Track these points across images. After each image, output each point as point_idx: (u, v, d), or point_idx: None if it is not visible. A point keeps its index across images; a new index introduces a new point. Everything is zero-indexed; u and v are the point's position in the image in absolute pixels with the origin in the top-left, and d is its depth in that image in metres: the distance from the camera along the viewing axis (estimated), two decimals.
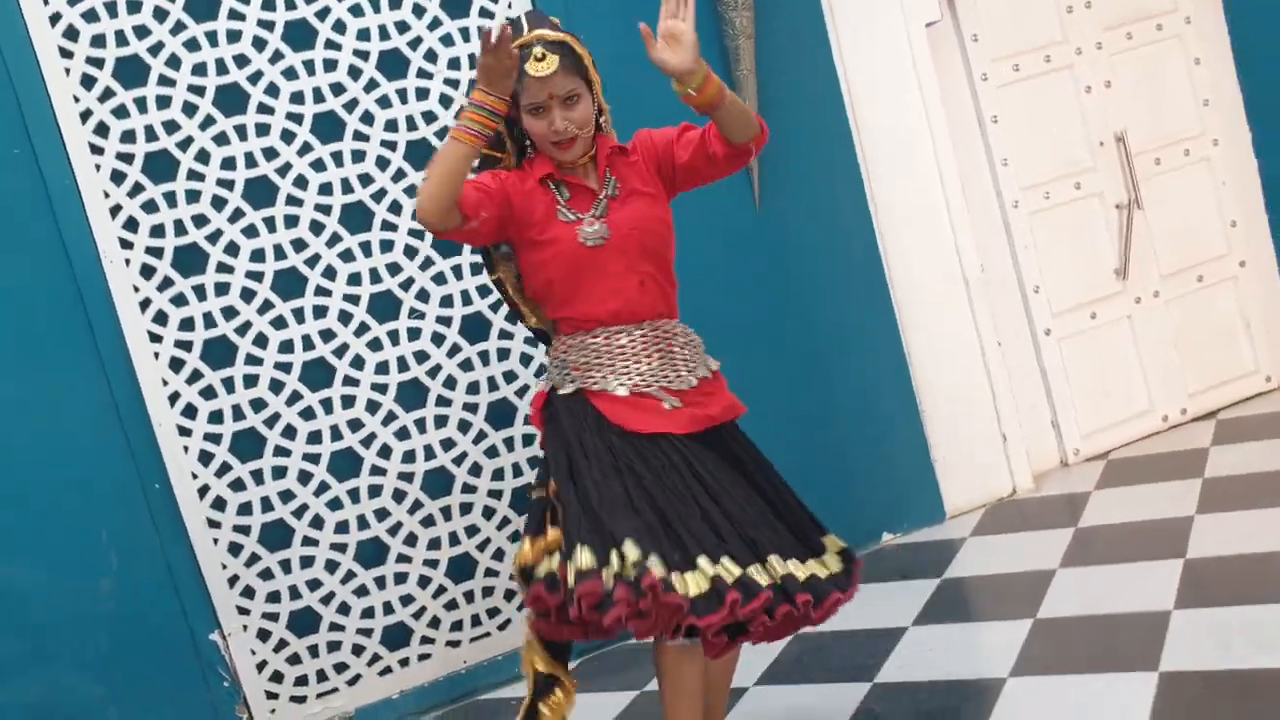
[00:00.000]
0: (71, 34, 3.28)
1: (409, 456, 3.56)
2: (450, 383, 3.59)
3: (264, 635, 3.47)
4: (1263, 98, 4.37)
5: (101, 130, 3.31)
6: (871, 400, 4.01)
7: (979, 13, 4.16)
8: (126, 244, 3.34)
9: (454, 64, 3.58)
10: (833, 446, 3.97)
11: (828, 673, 3.20)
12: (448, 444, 3.59)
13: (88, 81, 3.30)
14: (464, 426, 3.61)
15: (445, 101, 3.57)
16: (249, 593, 3.45)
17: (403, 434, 3.56)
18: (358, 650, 3.55)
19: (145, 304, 3.35)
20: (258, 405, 3.44)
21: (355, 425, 3.52)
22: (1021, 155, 4.21)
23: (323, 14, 3.47)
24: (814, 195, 3.92)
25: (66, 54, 3.28)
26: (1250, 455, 3.97)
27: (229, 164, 3.41)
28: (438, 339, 3.58)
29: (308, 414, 3.48)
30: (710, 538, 2.40)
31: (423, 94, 3.56)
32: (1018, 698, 2.82)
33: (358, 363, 3.52)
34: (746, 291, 3.87)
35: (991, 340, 4.08)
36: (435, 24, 3.57)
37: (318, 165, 3.48)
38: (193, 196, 3.39)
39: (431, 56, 3.56)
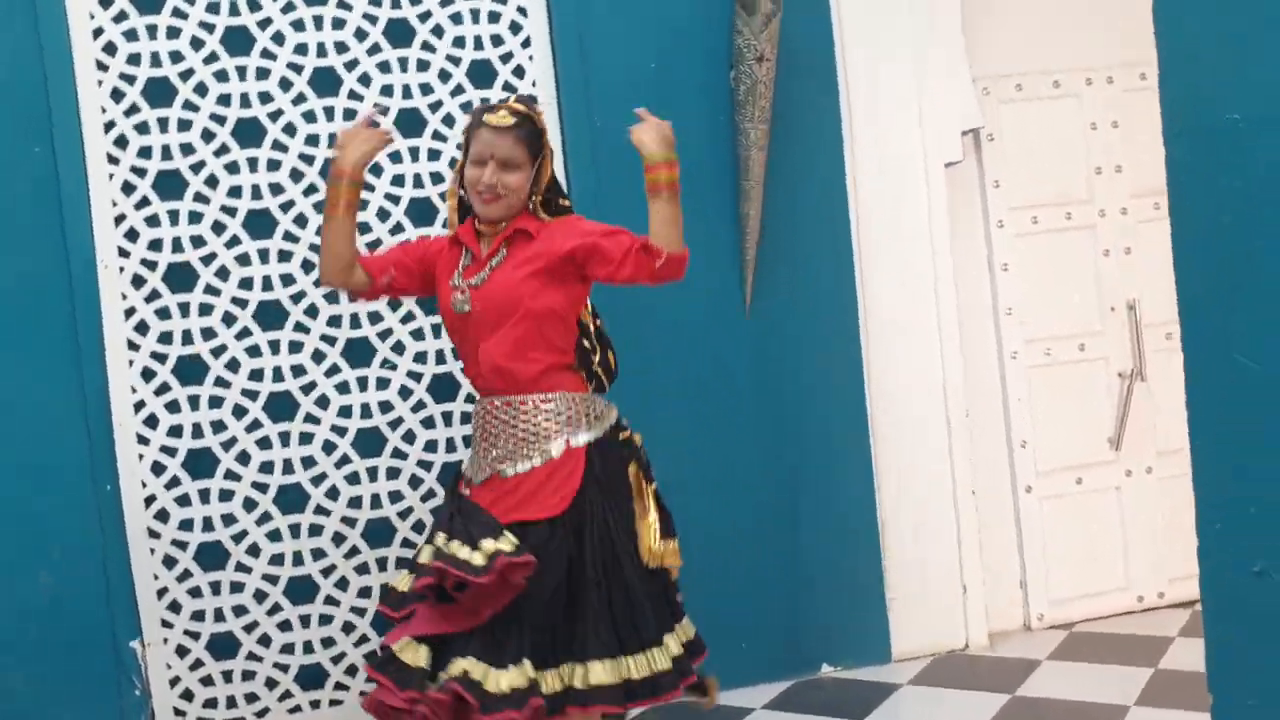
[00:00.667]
0: (110, 49, 3.45)
1: (355, 502, 3.61)
2: (410, 437, 3.64)
3: (182, 651, 3.52)
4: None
5: (121, 142, 3.47)
6: (835, 526, 3.95)
7: (1005, 159, 4.16)
8: (124, 252, 3.47)
9: (449, 122, 3.68)
10: (789, 565, 3.92)
11: None
12: (396, 496, 3.63)
13: (117, 95, 3.46)
14: (415, 482, 3.65)
15: (452, 164, 3.67)
16: (175, 607, 3.51)
17: (353, 479, 3.61)
18: (270, 684, 3.58)
19: (130, 312, 3.47)
20: (217, 427, 3.53)
21: (308, 462, 3.58)
22: (1028, 307, 4.17)
23: (350, 65, 3.61)
24: (806, 312, 3.93)
25: (102, 67, 3.45)
26: None
27: (235, 192, 3.54)
28: (405, 392, 3.64)
29: (264, 443, 3.55)
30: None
31: (434, 155, 3.67)
32: None
33: (322, 402, 3.59)
34: (725, 395, 3.87)
35: (966, 488, 4.01)
36: (458, 91, 3.69)
37: (320, 207, 3.59)
38: (195, 218, 3.52)
39: (449, 121, 3.68)
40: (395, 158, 3.64)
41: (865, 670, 3.95)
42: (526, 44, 3.73)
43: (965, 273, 4.10)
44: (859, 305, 3.96)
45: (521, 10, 3.72)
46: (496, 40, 3.72)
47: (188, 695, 3.53)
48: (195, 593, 3.52)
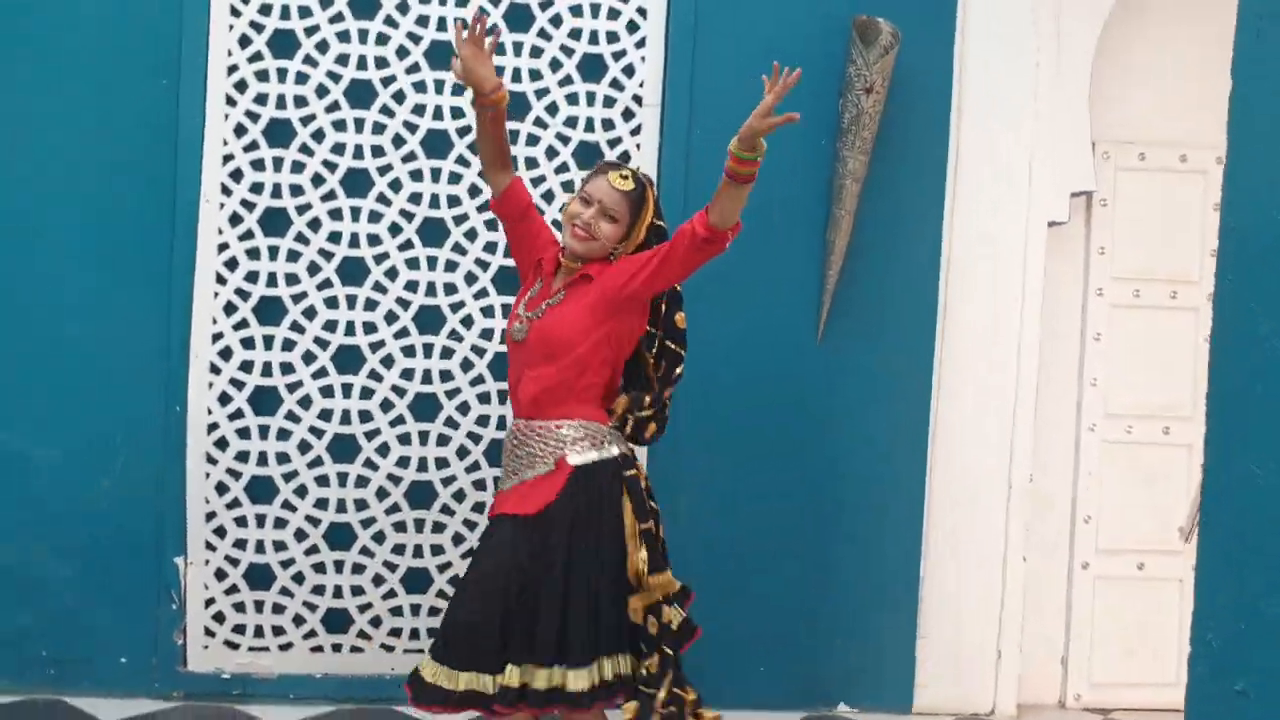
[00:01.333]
0: None
1: (403, 462, 3.72)
2: (464, 408, 3.74)
3: (220, 575, 3.69)
4: None
5: (241, 86, 3.64)
6: (875, 567, 3.90)
7: (1115, 227, 4.03)
8: (226, 190, 3.64)
9: (551, 110, 3.76)
10: (823, 598, 3.88)
11: None
12: (442, 462, 3.73)
13: (244, 41, 3.63)
14: (462, 453, 3.74)
15: (550, 153, 3.75)
16: (220, 532, 3.68)
17: (405, 439, 3.72)
18: (298, 620, 3.72)
19: (223, 247, 3.65)
20: (286, 368, 3.68)
21: (365, 416, 3.71)
22: (1115, 381, 4.04)
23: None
24: (880, 349, 3.88)
25: (235, 13, 3.63)
26: None
27: (338, 149, 3.68)
28: (467, 365, 3.73)
29: (327, 391, 3.69)
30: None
31: (533, 140, 3.74)
32: None
33: (388, 361, 3.71)
34: (782, 421, 3.86)
35: (1017, 553, 3.91)
36: (566, 81, 3.75)
37: (415, 175, 3.71)
38: (297, 167, 3.67)
39: (553, 109, 3.75)
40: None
41: (882, 717, 3.89)
42: (641, 44, 3.77)
43: (1055, 337, 3.99)
44: (935, 351, 3.90)
45: (641, 11, 3.77)
46: (612, 36, 3.77)
47: (219, 617, 3.70)
48: (241, 521, 3.68)
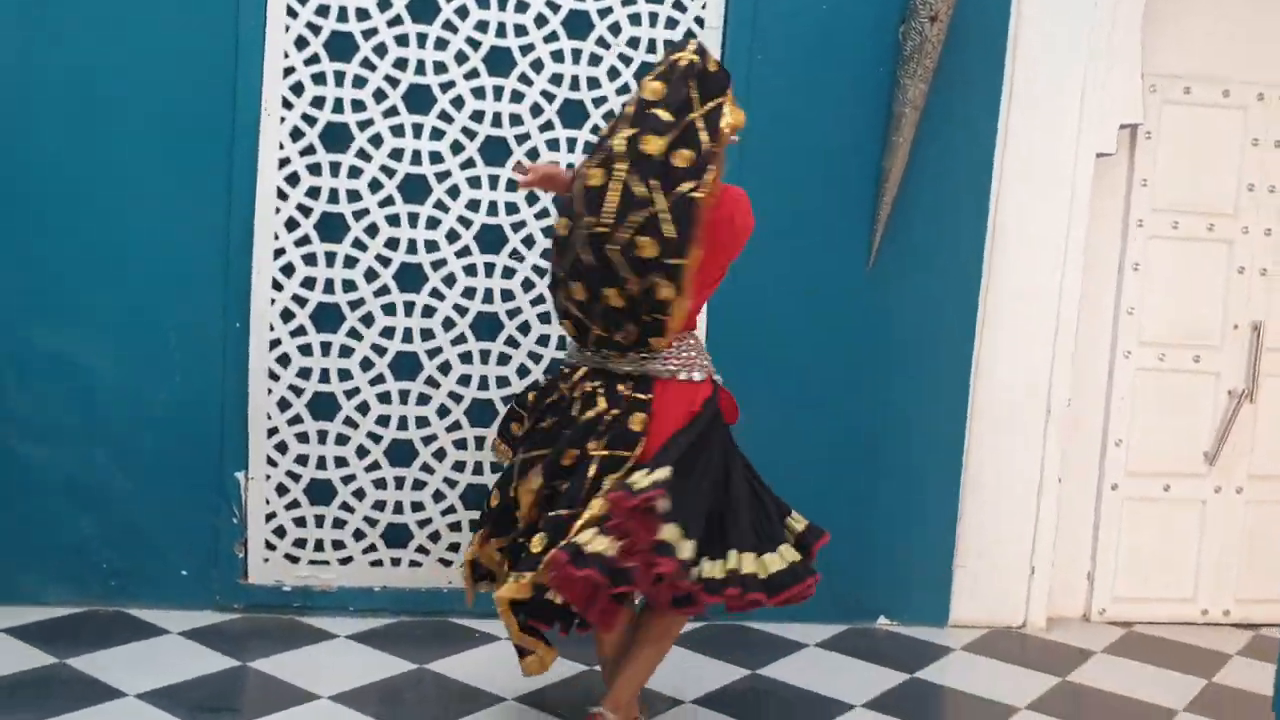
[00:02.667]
0: None
1: (464, 380, 3.75)
2: (525, 328, 3.77)
3: (281, 490, 3.71)
4: None
5: None
6: (916, 487, 4.02)
7: (1157, 159, 4.11)
8: (287, 104, 3.59)
9: (633, 42, 3.75)
10: (863, 517, 4.00)
11: (758, 716, 3.27)
12: (502, 381, 3.77)
13: None
14: (523, 372, 3.78)
15: (612, 73, 3.74)
16: (282, 448, 3.70)
17: (466, 358, 3.75)
18: (358, 535, 3.76)
19: (284, 161, 3.61)
20: (348, 285, 3.67)
21: (427, 334, 3.72)
22: (1150, 310, 4.16)
23: None
24: (928, 275, 3.95)
25: None
26: (1268, 676, 3.85)
27: (401, 64, 3.63)
28: (528, 285, 3.75)
29: (389, 309, 3.69)
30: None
31: (595, 59, 3.73)
32: None
33: (449, 280, 3.71)
34: (830, 345, 3.93)
35: (1053, 475, 4.05)
36: (629, 1, 3.73)
37: (478, 92, 3.68)
38: (359, 82, 3.62)
39: (615, 29, 3.73)
40: (572, 28, 3.71)
41: (920, 629, 4.04)
42: None
43: (1095, 265, 4.09)
44: (982, 279, 3.98)
45: None
46: None
47: (280, 532, 3.73)
48: (303, 438, 3.70)
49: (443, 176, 3.69)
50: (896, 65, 3.80)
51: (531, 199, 3.73)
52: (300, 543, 3.75)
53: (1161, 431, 4.21)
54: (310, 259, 3.65)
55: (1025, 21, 3.89)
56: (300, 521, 3.74)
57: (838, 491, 3.95)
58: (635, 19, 3.74)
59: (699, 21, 3.77)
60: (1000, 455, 4.05)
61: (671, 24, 3.76)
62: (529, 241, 3.74)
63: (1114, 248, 4.14)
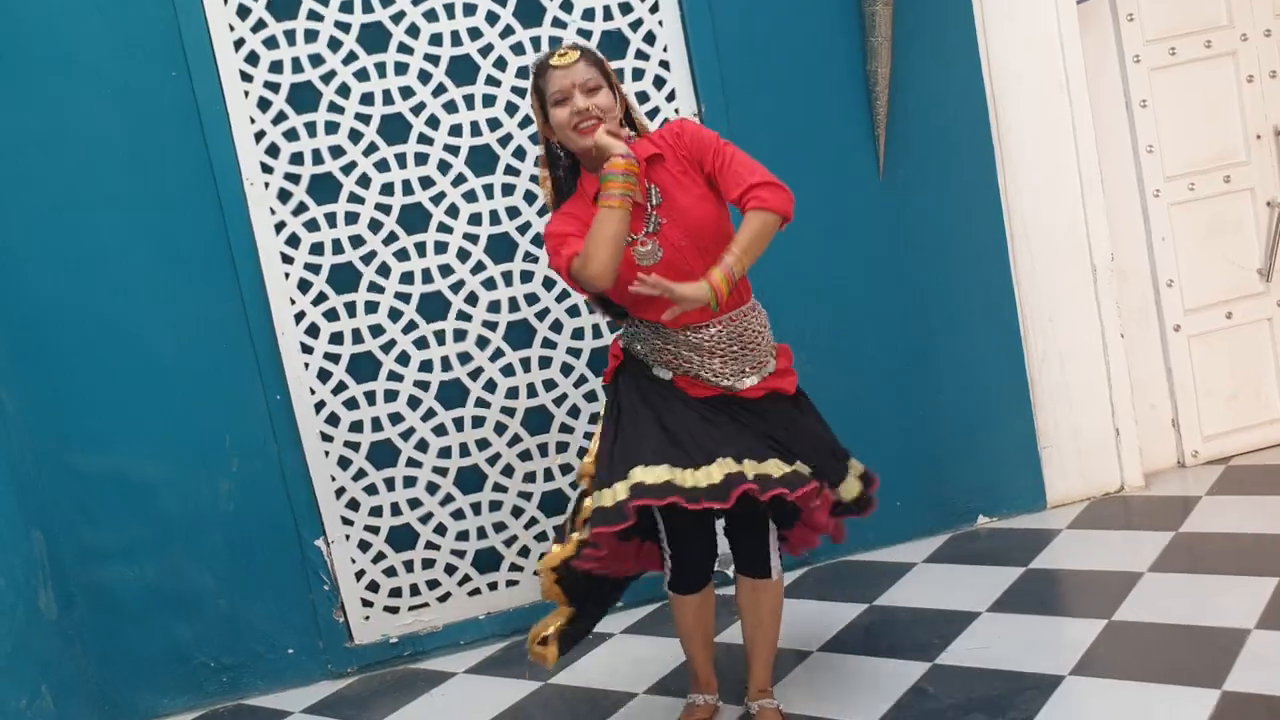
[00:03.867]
0: None
1: (512, 393, 3.71)
2: (557, 326, 3.72)
3: (364, 546, 3.70)
4: None
5: (252, 59, 3.52)
6: (981, 381, 3.96)
7: None
8: (267, 168, 3.54)
9: (588, 14, 3.66)
10: (936, 424, 3.95)
11: (891, 648, 3.24)
12: (549, 384, 3.73)
13: (243, 11, 3.50)
14: (566, 369, 3.74)
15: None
16: (354, 505, 3.68)
17: (508, 370, 3.71)
18: (450, 570, 3.75)
19: (280, 226, 3.56)
20: (376, 331, 3.63)
21: (464, 358, 3.68)
22: (1169, 143, 4.05)
23: None
24: (942, 169, 3.87)
25: None
26: None
27: (368, 99, 3.57)
28: (549, 284, 3.70)
29: (421, 343, 3.65)
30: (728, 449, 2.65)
31: (556, 42, 3.64)
32: (1072, 697, 2.81)
33: (472, 299, 3.67)
34: (861, 262, 3.86)
35: (1114, 331, 3.97)
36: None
37: (450, 107, 3.61)
38: (331, 128, 3.57)
39: (567, 6, 3.65)
40: (520, 49, 3.64)
41: (1021, 519, 4.00)
42: None
43: (1102, 113, 3.98)
44: (996, 156, 3.89)
45: None
46: None
47: (373, 586, 3.72)
48: (371, 490, 3.68)
49: (438, 199, 3.63)
50: None
51: (530, 198, 3.67)
52: (395, 592, 3.74)
53: (1210, 261, 4.12)
54: (331, 314, 3.61)
55: None
56: (390, 571, 3.73)
57: (904, 403, 3.91)
58: None
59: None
60: (1057, 324, 3.97)
61: None
62: (539, 240, 3.68)
63: (1116, 91, 4.03)
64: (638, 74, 3.69)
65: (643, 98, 3.69)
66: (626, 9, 3.67)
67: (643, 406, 2.73)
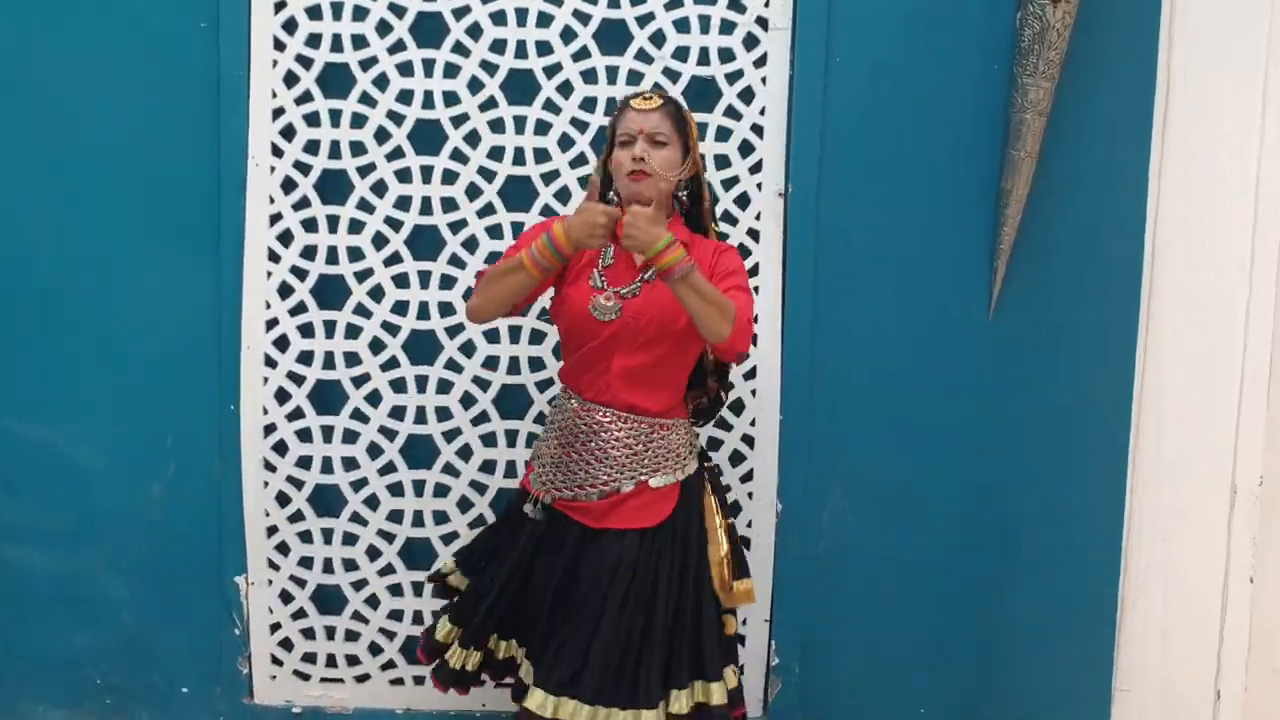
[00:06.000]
0: None
1: (488, 467, 3.17)
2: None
3: (286, 597, 3.22)
4: None
5: (290, 26, 3.09)
6: (1063, 588, 3.21)
7: None
8: (277, 151, 3.11)
9: (681, 53, 3.09)
10: (992, 627, 3.22)
11: None
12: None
13: None
14: None
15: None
16: (284, 549, 3.21)
17: (489, 440, 3.17)
18: (375, 649, 3.24)
19: (276, 217, 3.12)
20: (351, 359, 3.15)
21: (443, 414, 3.16)
22: None
23: None
24: (1068, 323, 3.14)
25: None
26: None
27: (405, 98, 3.10)
28: (560, 351, 3.13)
29: (399, 385, 3.15)
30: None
31: (635, 77, 3.09)
32: None
33: (468, 349, 3.15)
34: (949, 410, 3.17)
35: (1243, 571, 3.18)
36: (674, 3, 3.08)
37: (496, 125, 3.10)
38: (358, 120, 3.11)
39: (658, 39, 3.08)
40: (591, 76, 3.09)
41: None
42: None
43: None
44: (1140, 324, 3.15)
45: None
46: None
47: (286, 644, 3.25)
48: (305, 537, 3.20)
49: (457, 226, 3.13)
50: (1013, 61, 3.01)
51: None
52: (310, 657, 3.25)
53: None
54: (307, 329, 3.14)
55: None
56: (309, 633, 3.24)
57: (963, 589, 3.24)
58: (682, 25, 3.09)
59: (761, 22, 3.08)
60: (1171, 545, 3.20)
61: (727, 28, 3.09)
62: (545, 314, 3.12)
63: None
64: (723, 133, 3.10)
65: (722, 161, 3.11)
66: (728, 55, 3.09)
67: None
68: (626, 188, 2.54)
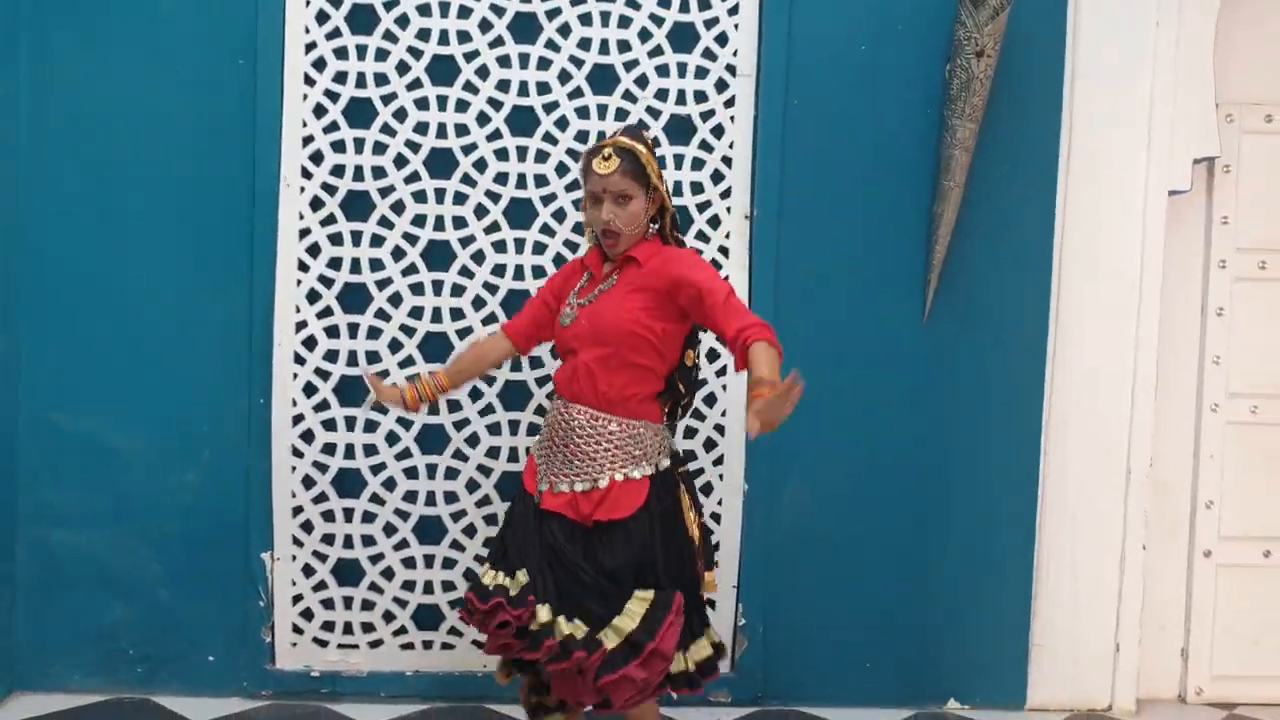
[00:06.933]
0: None
1: (493, 452, 3.59)
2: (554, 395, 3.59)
3: (308, 571, 3.58)
4: None
5: (319, 65, 3.50)
6: (985, 559, 3.71)
7: (1239, 195, 3.78)
8: (307, 173, 3.51)
9: (662, 94, 3.58)
10: (928, 592, 3.71)
11: None
12: None
13: (321, 17, 3.49)
14: None
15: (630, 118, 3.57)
16: (308, 527, 3.57)
17: (494, 429, 3.59)
18: (388, 616, 3.61)
19: (305, 232, 3.52)
20: (372, 358, 3.55)
21: (454, 406, 3.57)
22: (1238, 359, 3.80)
23: (552, 14, 3.54)
24: (989, 329, 3.68)
25: None
26: None
27: (421, 129, 3.53)
28: (554, 351, 3.57)
29: (414, 380, 3.55)
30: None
31: (621, 114, 3.57)
32: None
33: None
34: (883, 401, 3.67)
35: (1136, 542, 3.71)
36: (657, 52, 3.57)
37: (501, 154, 3.55)
38: (379, 148, 3.53)
39: (642, 82, 3.57)
40: (582, 113, 3.57)
41: (995, 714, 3.71)
42: (734, 10, 3.58)
43: (1174, 313, 3.77)
44: (1050, 331, 3.69)
45: None
46: (704, 3, 3.57)
47: (307, 614, 3.60)
48: (328, 516, 3.57)
49: (467, 241, 3.56)
50: (943, 105, 3.56)
51: (560, 261, 3.57)
52: (328, 625, 3.61)
53: (1257, 491, 3.84)
54: (332, 331, 3.54)
55: (1082, 51, 3.63)
56: (328, 603, 3.60)
57: (902, 560, 3.70)
58: (663, 70, 3.58)
59: (730, 70, 3.59)
60: (1078, 522, 3.72)
61: (701, 74, 3.59)
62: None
63: (1194, 292, 3.81)
64: (697, 163, 3.59)
65: (697, 188, 3.59)
66: (701, 97, 3.59)
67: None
68: (603, 242, 2.88)
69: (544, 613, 2.75)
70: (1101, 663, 3.76)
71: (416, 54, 3.52)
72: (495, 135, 3.55)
